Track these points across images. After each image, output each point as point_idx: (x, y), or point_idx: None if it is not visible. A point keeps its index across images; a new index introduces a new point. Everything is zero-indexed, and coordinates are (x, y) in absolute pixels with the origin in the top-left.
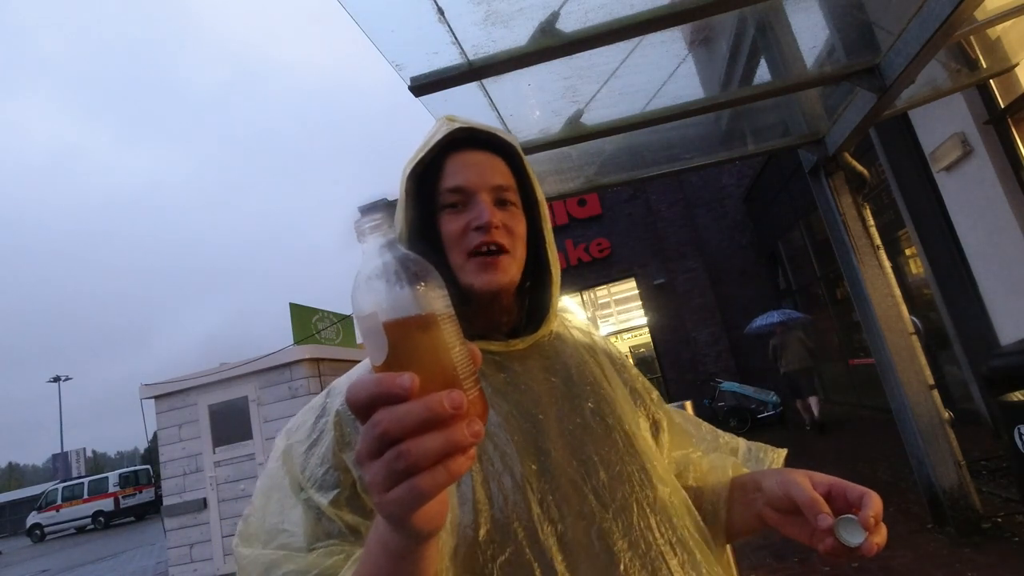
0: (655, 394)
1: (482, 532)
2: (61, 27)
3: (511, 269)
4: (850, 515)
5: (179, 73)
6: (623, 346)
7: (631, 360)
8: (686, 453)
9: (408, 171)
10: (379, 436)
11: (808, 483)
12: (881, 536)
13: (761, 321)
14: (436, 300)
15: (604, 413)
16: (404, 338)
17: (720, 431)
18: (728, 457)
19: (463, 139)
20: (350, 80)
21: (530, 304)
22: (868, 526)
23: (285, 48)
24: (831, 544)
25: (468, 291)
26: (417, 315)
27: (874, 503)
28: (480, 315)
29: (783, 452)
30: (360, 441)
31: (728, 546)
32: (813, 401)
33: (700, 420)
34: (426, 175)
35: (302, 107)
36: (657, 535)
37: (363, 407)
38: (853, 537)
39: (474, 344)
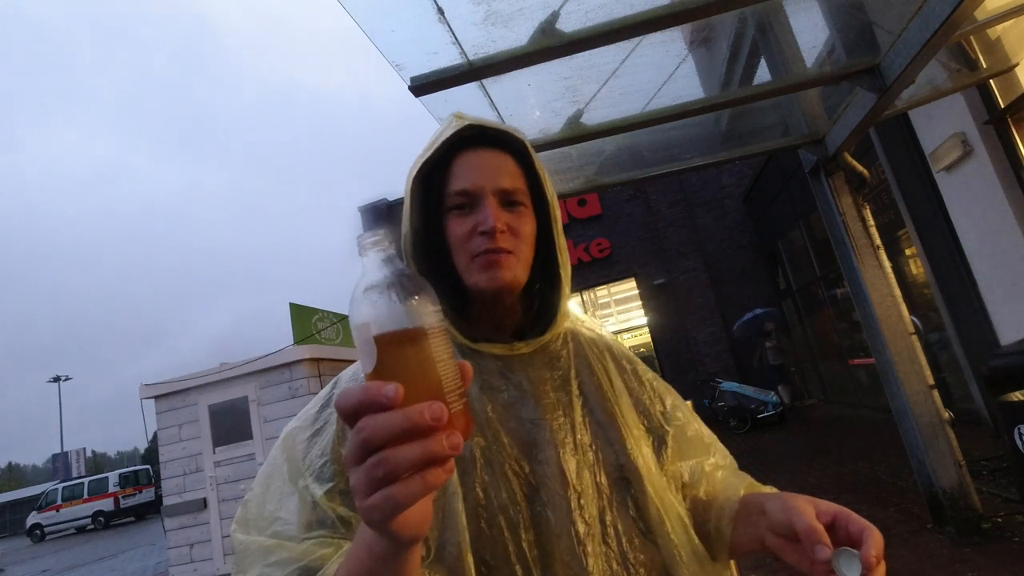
0: (668, 401)
1: (469, 539)
2: (114, 65)
3: (516, 268)
4: (850, 549)
5: (207, 98)
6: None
7: None
8: (700, 462)
9: (414, 173)
10: (362, 443)
11: (812, 511)
12: (879, 573)
13: (747, 317)
14: (427, 315)
15: (605, 426)
16: (392, 350)
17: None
18: (743, 474)
19: (472, 137)
20: (359, 92)
21: (539, 306)
22: (869, 564)
23: (302, 69)
24: None
25: (473, 291)
26: (406, 328)
27: (875, 539)
28: (484, 316)
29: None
30: (347, 446)
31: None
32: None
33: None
34: (433, 174)
35: (319, 121)
36: (643, 559)
37: (350, 413)
38: (850, 571)
39: (478, 346)
